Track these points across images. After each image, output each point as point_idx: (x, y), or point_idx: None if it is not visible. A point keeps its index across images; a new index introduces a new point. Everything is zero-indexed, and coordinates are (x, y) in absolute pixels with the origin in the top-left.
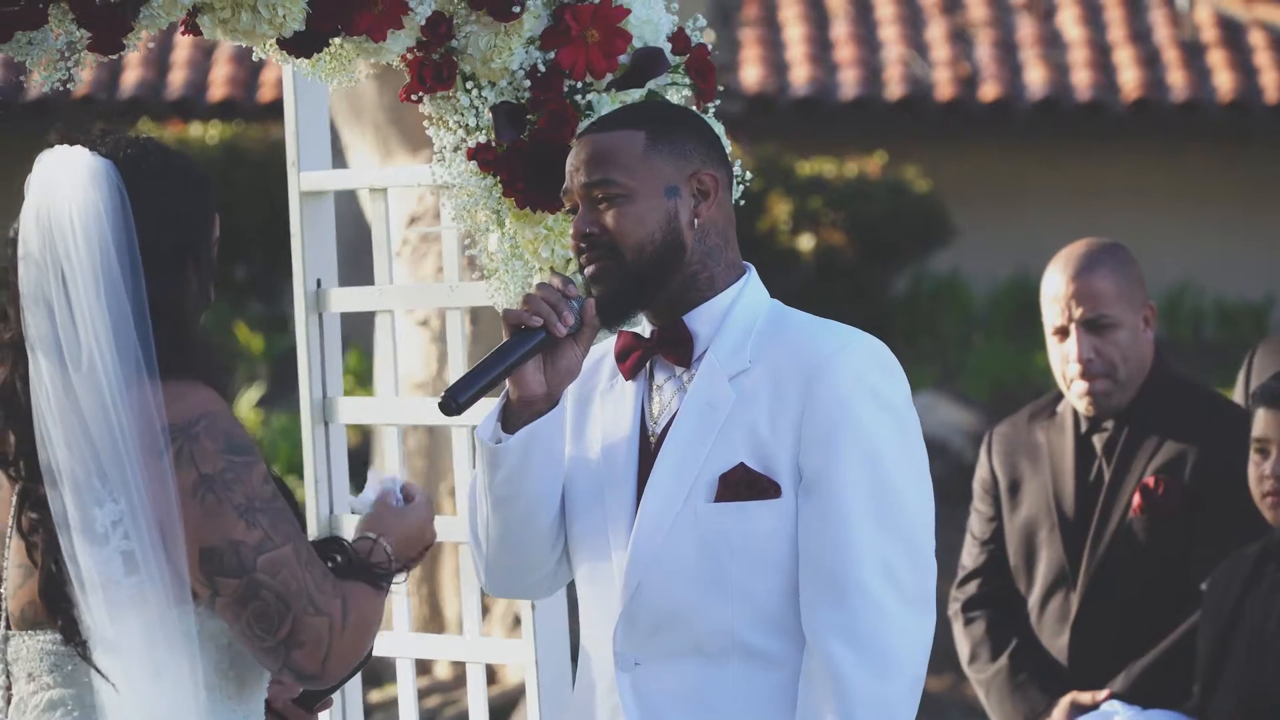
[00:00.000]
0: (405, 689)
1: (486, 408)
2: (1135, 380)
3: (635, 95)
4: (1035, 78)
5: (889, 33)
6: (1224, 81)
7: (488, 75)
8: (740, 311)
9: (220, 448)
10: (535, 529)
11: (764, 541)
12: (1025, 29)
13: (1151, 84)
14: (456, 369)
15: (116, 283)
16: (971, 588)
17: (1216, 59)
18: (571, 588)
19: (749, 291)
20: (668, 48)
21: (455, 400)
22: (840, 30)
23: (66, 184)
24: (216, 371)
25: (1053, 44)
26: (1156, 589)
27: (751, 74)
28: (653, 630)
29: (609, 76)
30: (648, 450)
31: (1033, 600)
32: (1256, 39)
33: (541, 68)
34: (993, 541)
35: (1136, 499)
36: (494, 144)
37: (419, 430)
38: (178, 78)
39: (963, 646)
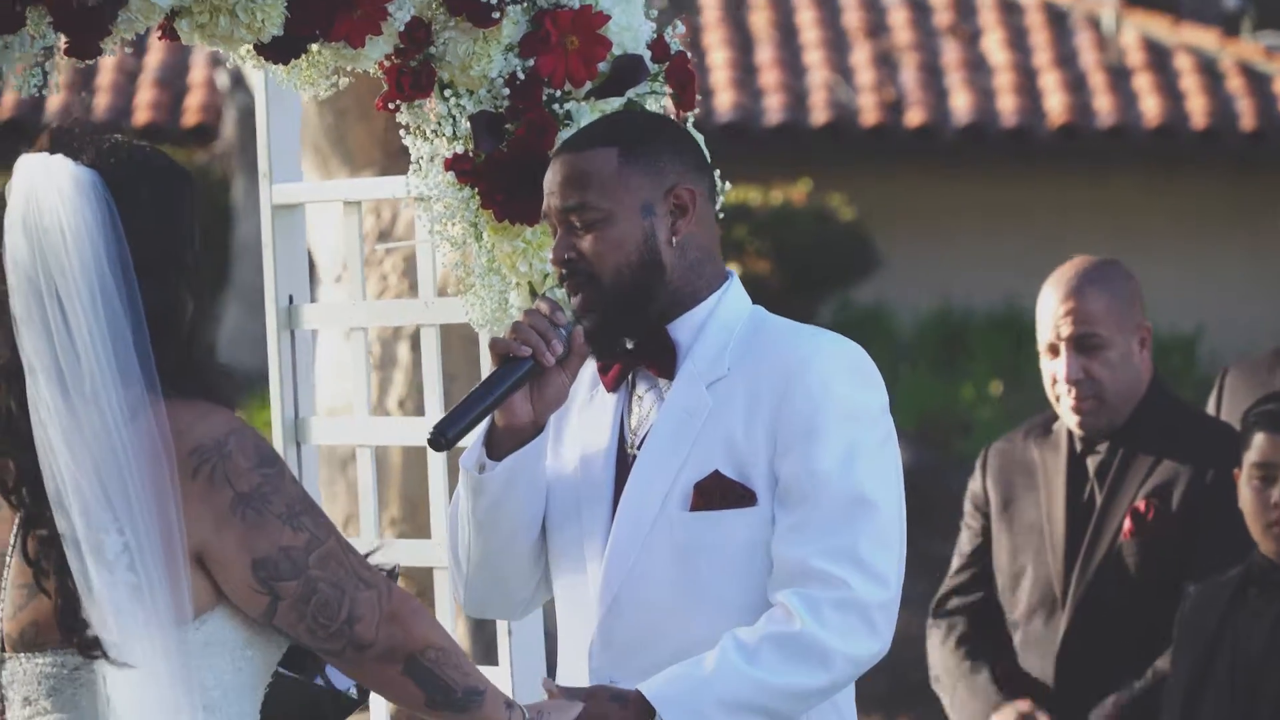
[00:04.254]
0: (378, 715)
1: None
2: (1126, 401)
3: (615, 104)
4: (961, 103)
5: (814, 57)
6: (1151, 106)
7: (466, 83)
8: (720, 319)
9: (253, 464)
10: (517, 552)
11: (740, 550)
12: (950, 53)
13: (1078, 109)
14: (433, 389)
15: (113, 300)
16: (950, 603)
17: (1143, 83)
18: (549, 615)
19: (729, 299)
20: (647, 55)
21: (444, 435)
22: (764, 55)
23: (53, 198)
24: (224, 388)
25: (978, 68)
26: (1145, 614)
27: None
28: (629, 644)
29: (588, 85)
30: (625, 462)
31: (1019, 620)
32: (1183, 63)
33: (521, 75)
34: (977, 558)
35: (1127, 523)
36: (471, 154)
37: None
38: (102, 101)
39: (935, 657)
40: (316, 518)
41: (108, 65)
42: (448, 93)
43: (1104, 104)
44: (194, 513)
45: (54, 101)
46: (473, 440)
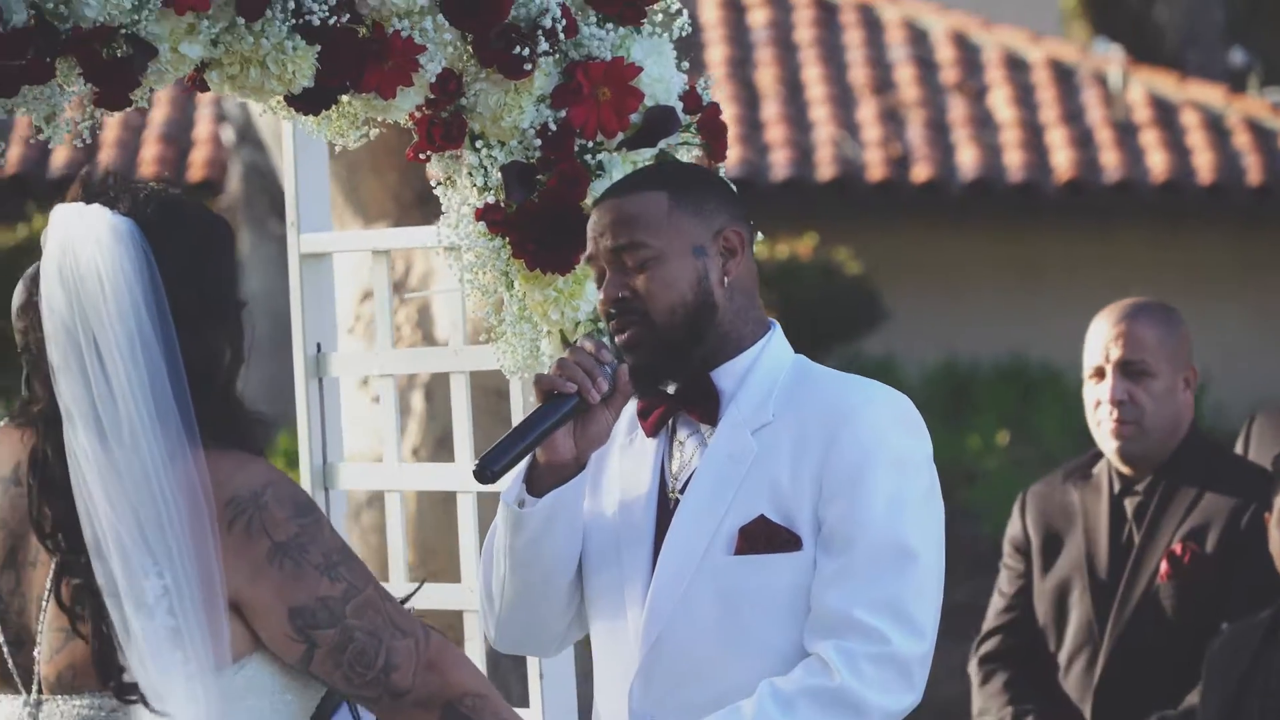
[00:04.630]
0: None
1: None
2: (1166, 436)
3: (647, 154)
4: (967, 158)
5: (820, 113)
6: (1157, 162)
7: (497, 134)
8: (765, 366)
9: (290, 514)
10: (553, 590)
11: (784, 595)
12: (957, 109)
13: (1084, 164)
14: (462, 435)
15: (152, 348)
16: (991, 644)
17: (1149, 139)
18: (580, 656)
19: (773, 346)
20: (679, 107)
21: (489, 469)
22: (771, 110)
23: (90, 246)
24: (258, 437)
25: (984, 125)
26: (1181, 656)
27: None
28: (671, 687)
29: (620, 135)
30: (666, 507)
31: (1061, 660)
32: (1189, 119)
33: (552, 126)
34: (1019, 600)
35: (1164, 566)
36: (503, 204)
37: (373, 508)
38: (107, 156)
39: (976, 702)
40: (354, 567)
41: (112, 121)
42: (479, 143)
43: (1110, 160)
44: (230, 563)
45: (59, 156)
46: (512, 476)
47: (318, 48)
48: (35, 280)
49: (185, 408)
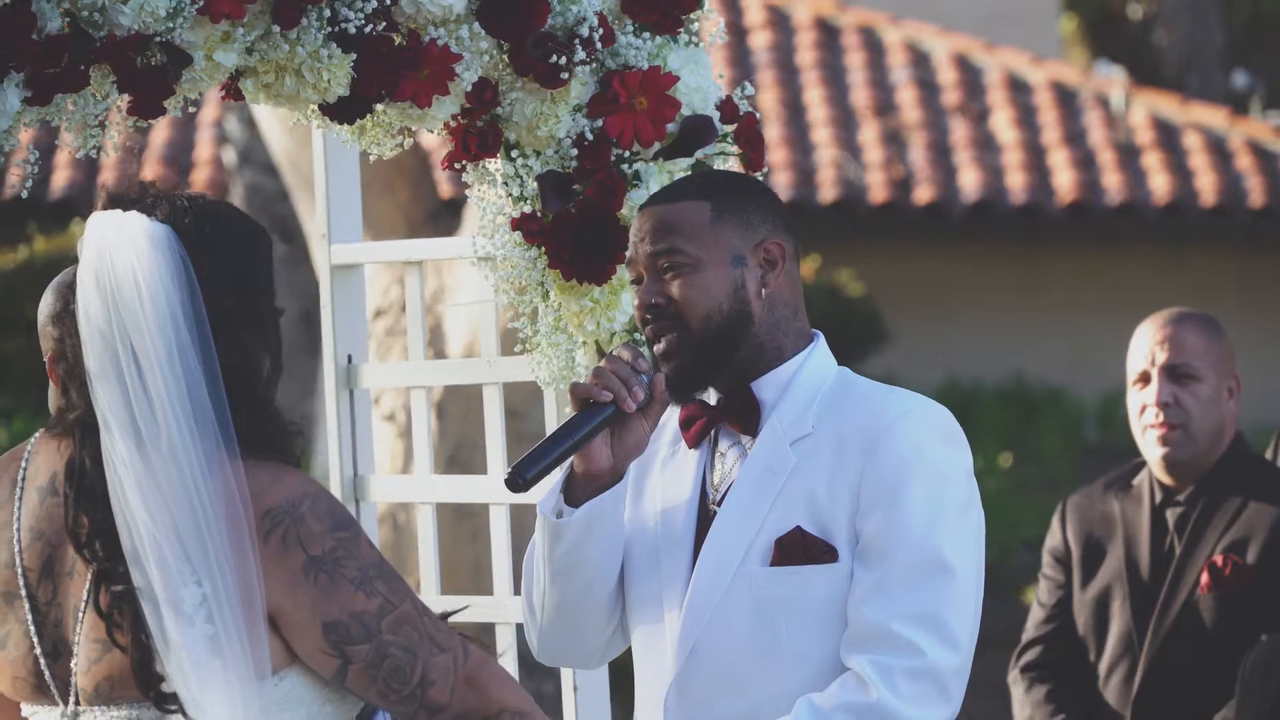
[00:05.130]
0: None
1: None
2: (1209, 443)
3: (684, 164)
4: (969, 180)
5: (821, 135)
6: (1160, 184)
7: (533, 144)
8: (806, 377)
9: (326, 527)
10: (594, 601)
11: (819, 606)
12: (959, 131)
13: (1087, 186)
14: (494, 445)
15: (189, 356)
16: (1032, 654)
17: (1152, 161)
18: (614, 667)
19: (815, 358)
20: (716, 116)
21: (522, 476)
22: (773, 133)
23: (127, 253)
24: (295, 448)
25: (987, 146)
26: (1220, 668)
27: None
28: (706, 696)
29: (657, 145)
30: (707, 517)
31: (1101, 670)
32: (1192, 141)
33: (589, 136)
34: (1059, 610)
35: (1205, 577)
36: (539, 214)
37: (384, 526)
38: (107, 178)
39: (1019, 712)
40: (391, 582)
41: (110, 144)
42: (514, 153)
43: (1113, 181)
44: (268, 574)
45: (59, 179)
46: (549, 488)
47: (353, 56)
48: (71, 288)
49: (223, 417)
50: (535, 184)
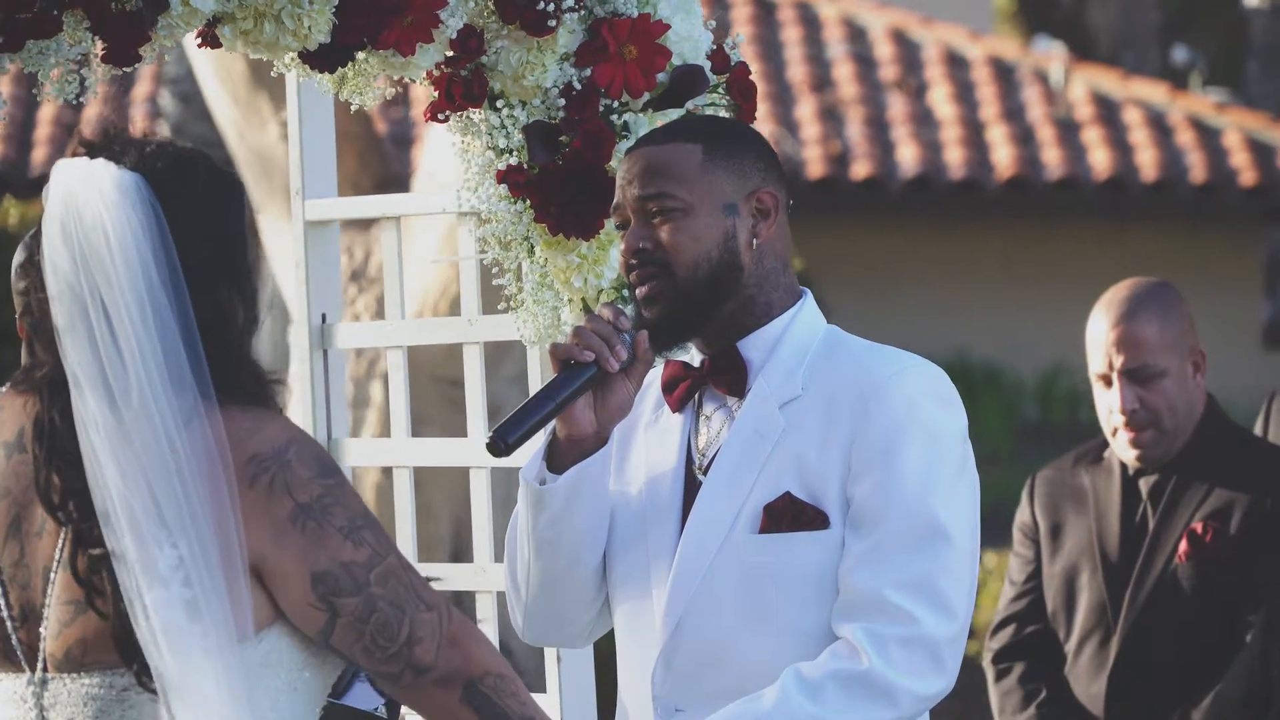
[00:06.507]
0: None
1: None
2: (1184, 428)
3: (674, 115)
4: (907, 156)
5: (758, 111)
6: (1100, 160)
7: (519, 94)
8: (794, 337)
9: (314, 474)
10: (579, 574)
11: (810, 574)
12: (897, 107)
13: (1026, 162)
14: (475, 408)
15: (162, 308)
16: (1005, 635)
17: (1092, 137)
18: (597, 643)
19: (804, 316)
20: (707, 66)
21: (504, 440)
22: None
23: (95, 203)
24: (273, 397)
25: (925, 122)
26: (1198, 638)
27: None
28: (693, 671)
29: (646, 95)
30: (694, 484)
31: (1070, 645)
32: (1132, 116)
33: (576, 85)
34: (1030, 587)
35: (1184, 546)
36: (525, 166)
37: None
38: (39, 155)
39: (994, 697)
40: (377, 533)
41: (45, 119)
42: (500, 103)
43: (1053, 157)
44: (252, 523)
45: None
46: (531, 454)
47: (335, 2)
48: (36, 239)
49: (199, 368)
50: (521, 135)
